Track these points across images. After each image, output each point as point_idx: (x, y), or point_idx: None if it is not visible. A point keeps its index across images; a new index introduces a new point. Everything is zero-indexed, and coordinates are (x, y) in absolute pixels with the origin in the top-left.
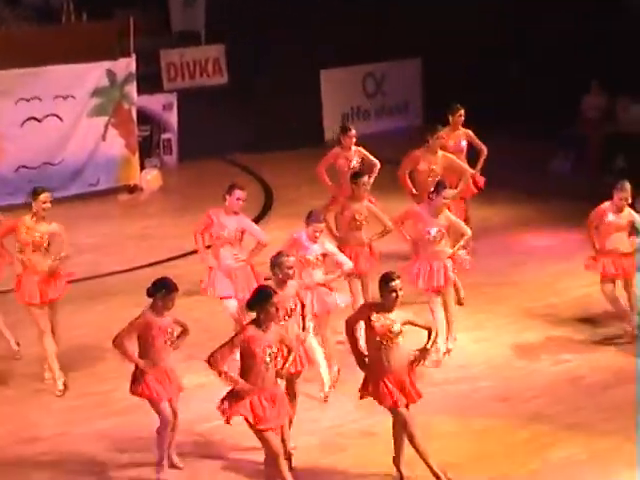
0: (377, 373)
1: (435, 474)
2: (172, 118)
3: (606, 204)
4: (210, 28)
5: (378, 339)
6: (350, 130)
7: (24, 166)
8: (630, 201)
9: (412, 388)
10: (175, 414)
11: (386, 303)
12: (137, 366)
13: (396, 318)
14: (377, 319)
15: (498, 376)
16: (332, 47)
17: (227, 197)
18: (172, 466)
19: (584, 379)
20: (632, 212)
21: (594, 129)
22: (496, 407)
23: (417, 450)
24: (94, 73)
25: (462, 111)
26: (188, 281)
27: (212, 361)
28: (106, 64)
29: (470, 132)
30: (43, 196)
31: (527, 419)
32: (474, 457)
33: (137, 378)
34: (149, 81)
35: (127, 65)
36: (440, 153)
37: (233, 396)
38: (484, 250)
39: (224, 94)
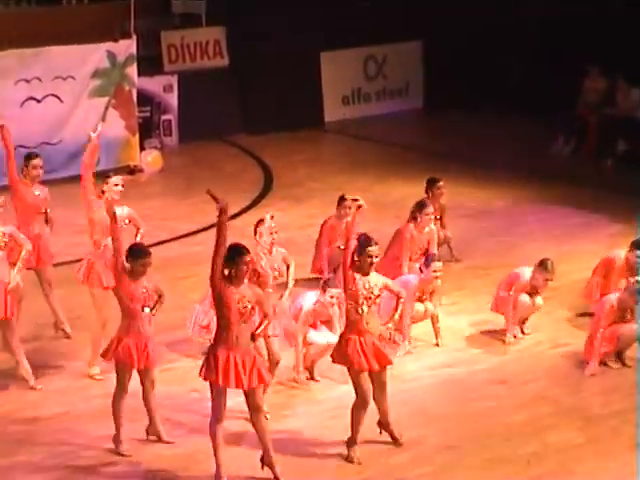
0: (356, 334)
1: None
2: (172, 100)
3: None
4: (211, 10)
5: (360, 301)
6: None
7: (22, 145)
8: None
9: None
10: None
11: (363, 267)
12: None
13: (376, 281)
14: (360, 281)
15: (497, 359)
16: (333, 29)
17: None
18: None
19: (583, 362)
20: None
21: (593, 113)
22: (495, 390)
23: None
24: (95, 54)
25: (441, 183)
26: (188, 262)
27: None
28: (107, 45)
29: (444, 208)
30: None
31: (525, 402)
32: (472, 439)
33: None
34: (150, 63)
35: (128, 47)
36: (426, 229)
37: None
38: (485, 232)
39: (224, 76)
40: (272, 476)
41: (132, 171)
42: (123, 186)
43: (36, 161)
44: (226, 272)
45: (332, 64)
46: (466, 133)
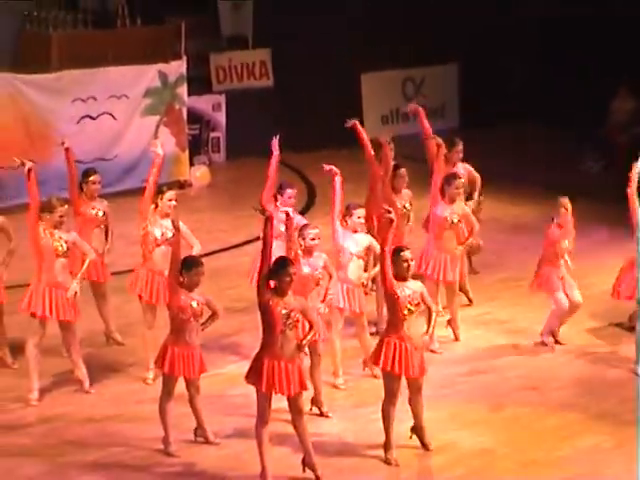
0: (396, 338)
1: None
2: (221, 118)
3: None
4: (257, 33)
5: (403, 308)
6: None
7: (79, 161)
8: None
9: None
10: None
11: (399, 273)
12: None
13: (415, 288)
14: (401, 290)
15: (528, 366)
16: (373, 52)
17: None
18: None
19: (610, 370)
20: None
21: (622, 132)
22: (526, 396)
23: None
24: (147, 75)
25: (460, 146)
26: (234, 272)
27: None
28: (158, 66)
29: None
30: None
31: (556, 407)
32: (505, 443)
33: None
34: (199, 83)
35: (178, 67)
36: (460, 165)
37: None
38: (517, 246)
39: (270, 96)
40: (314, 477)
41: (182, 186)
42: (176, 200)
43: (94, 177)
44: (272, 284)
45: (372, 85)
46: (498, 150)
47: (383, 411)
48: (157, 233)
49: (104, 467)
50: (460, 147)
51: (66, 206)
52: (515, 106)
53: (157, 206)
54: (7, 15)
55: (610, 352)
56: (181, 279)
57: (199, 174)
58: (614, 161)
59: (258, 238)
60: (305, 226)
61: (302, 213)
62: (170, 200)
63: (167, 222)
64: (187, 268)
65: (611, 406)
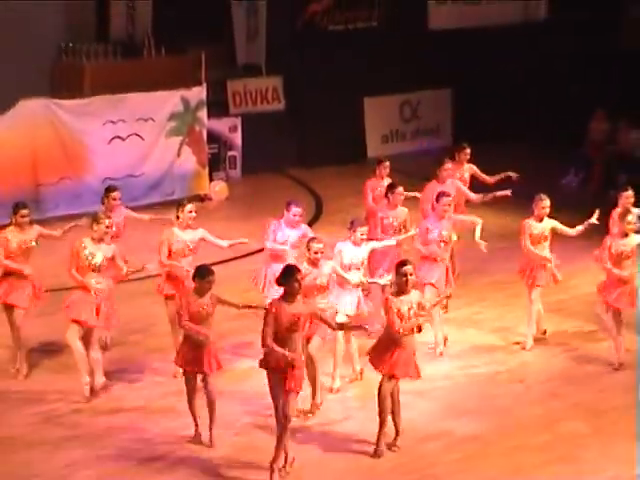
0: (395, 344)
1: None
2: (237, 138)
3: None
4: (270, 62)
5: (404, 319)
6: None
7: (110, 178)
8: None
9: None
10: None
11: (400, 286)
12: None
13: (412, 299)
14: (397, 304)
15: (516, 361)
16: (374, 78)
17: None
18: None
19: (590, 364)
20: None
21: (599, 151)
22: (514, 388)
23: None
24: (171, 100)
25: (468, 150)
26: (250, 277)
27: (263, 343)
28: (181, 92)
29: (474, 167)
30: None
31: (541, 398)
32: (495, 429)
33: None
34: (217, 107)
35: (199, 93)
36: (449, 181)
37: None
38: (504, 252)
39: (281, 118)
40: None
41: (202, 199)
42: (196, 212)
43: (115, 194)
44: (281, 291)
45: (374, 108)
46: (487, 166)
47: (380, 404)
48: (180, 246)
49: (129, 456)
50: (448, 165)
51: (109, 220)
52: (503, 126)
53: (178, 218)
54: (45, 47)
55: (589, 349)
56: (194, 285)
57: (218, 189)
58: (592, 176)
59: None
60: (312, 239)
61: (310, 224)
62: (190, 212)
63: (191, 235)
64: (200, 276)
65: (589, 396)
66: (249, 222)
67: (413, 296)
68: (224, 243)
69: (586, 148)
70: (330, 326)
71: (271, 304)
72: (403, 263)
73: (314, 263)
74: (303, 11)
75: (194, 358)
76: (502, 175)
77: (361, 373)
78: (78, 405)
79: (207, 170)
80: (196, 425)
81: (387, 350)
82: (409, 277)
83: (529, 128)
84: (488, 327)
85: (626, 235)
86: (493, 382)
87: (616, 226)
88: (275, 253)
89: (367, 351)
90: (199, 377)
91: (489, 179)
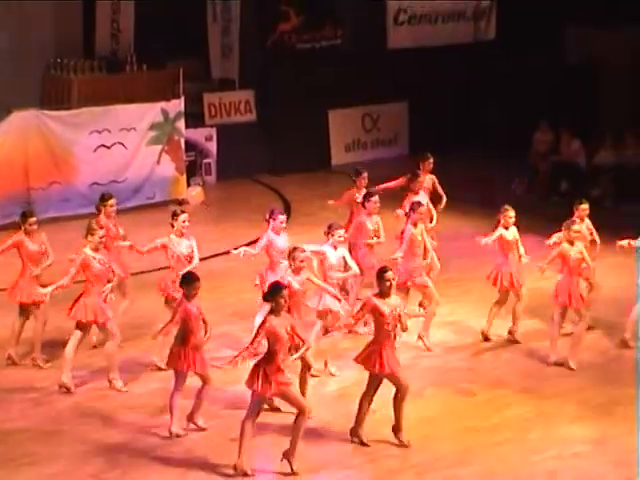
0: (380, 346)
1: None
2: (212, 147)
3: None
4: (243, 76)
5: (388, 322)
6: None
7: (96, 183)
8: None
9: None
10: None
11: (383, 290)
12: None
13: (395, 303)
14: (385, 306)
15: (468, 352)
16: (338, 92)
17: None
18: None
19: (535, 353)
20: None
21: (543, 160)
22: (465, 375)
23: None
24: (151, 111)
25: (431, 159)
26: (224, 274)
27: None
28: (161, 104)
29: (435, 178)
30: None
31: (489, 385)
32: (448, 413)
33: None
34: (194, 118)
35: (177, 105)
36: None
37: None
38: (457, 252)
39: (253, 129)
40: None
41: (180, 203)
42: (189, 221)
43: (112, 201)
44: (268, 306)
45: (338, 120)
46: (441, 173)
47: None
48: (185, 252)
49: (119, 449)
50: (421, 178)
51: (122, 231)
52: (455, 137)
53: (173, 226)
54: (36, 63)
55: (533, 339)
56: (182, 291)
57: (194, 193)
58: (536, 183)
59: (243, 245)
60: (296, 249)
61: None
62: (184, 222)
63: (187, 242)
64: (186, 283)
65: (534, 383)
66: (223, 224)
67: (394, 300)
68: (194, 262)
69: (531, 157)
70: (302, 340)
71: (265, 320)
72: (385, 269)
73: (298, 271)
74: (273, 30)
75: (185, 358)
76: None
77: (325, 365)
78: (70, 398)
79: (185, 176)
80: (172, 421)
81: (375, 351)
82: (392, 282)
83: (479, 138)
84: (441, 321)
85: (572, 243)
86: (446, 370)
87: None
88: (276, 260)
89: (355, 357)
90: (190, 375)
91: (443, 194)
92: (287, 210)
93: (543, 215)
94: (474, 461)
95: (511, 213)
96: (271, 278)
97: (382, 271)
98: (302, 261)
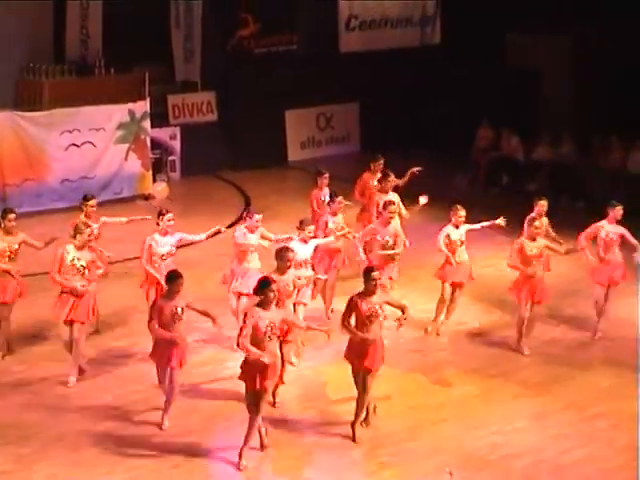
0: (361, 341)
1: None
2: (176, 145)
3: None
4: (204, 79)
5: (369, 319)
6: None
7: (67, 179)
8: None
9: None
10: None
11: (368, 289)
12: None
13: (378, 301)
14: (364, 304)
15: (414, 334)
16: (294, 94)
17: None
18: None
19: (478, 336)
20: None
21: (484, 155)
22: (413, 357)
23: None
24: (119, 112)
25: (382, 160)
26: (188, 264)
27: (240, 344)
28: (128, 105)
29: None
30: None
31: (436, 366)
32: (398, 392)
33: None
34: (159, 118)
35: (143, 106)
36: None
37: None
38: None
39: (215, 128)
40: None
41: (147, 198)
42: (174, 220)
43: (93, 202)
44: (257, 300)
45: (294, 119)
46: (391, 169)
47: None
48: (164, 250)
49: (105, 437)
50: (392, 178)
51: (97, 231)
52: (403, 135)
53: (158, 225)
54: (8, 66)
55: (477, 322)
56: (166, 288)
57: (160, 189)
58: (477, 178)
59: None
60: (287, 249)
61: (239, 219)
62: (169, 220)
63: (170, 239)
64: (170, 281)
65: (478, 364)
66: (187, 218)
67: (378, 297)
68: (202, 236)
69: (473, 153)
70: (300, 328)
71: (250, 311)
72: (371, 269)
73: (283, 271)
74: (233, 36)
75: (165, 354)
76: (408, 175)
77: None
78: (65, 390)
79: (150, 172)
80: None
81: (362, 349)
82: (377, 281)
83: (426, 136)
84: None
85: (534, 239)
86: (395, 352)
87: (526, 230)
88: (243, 251)
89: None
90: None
91: (400, 182)
92: (247, 204)
93: (483, 206)
94: (422, 436)
95: (462, 212)
96: (239, 271)
97: (369, 270)
98: (290, 261)
